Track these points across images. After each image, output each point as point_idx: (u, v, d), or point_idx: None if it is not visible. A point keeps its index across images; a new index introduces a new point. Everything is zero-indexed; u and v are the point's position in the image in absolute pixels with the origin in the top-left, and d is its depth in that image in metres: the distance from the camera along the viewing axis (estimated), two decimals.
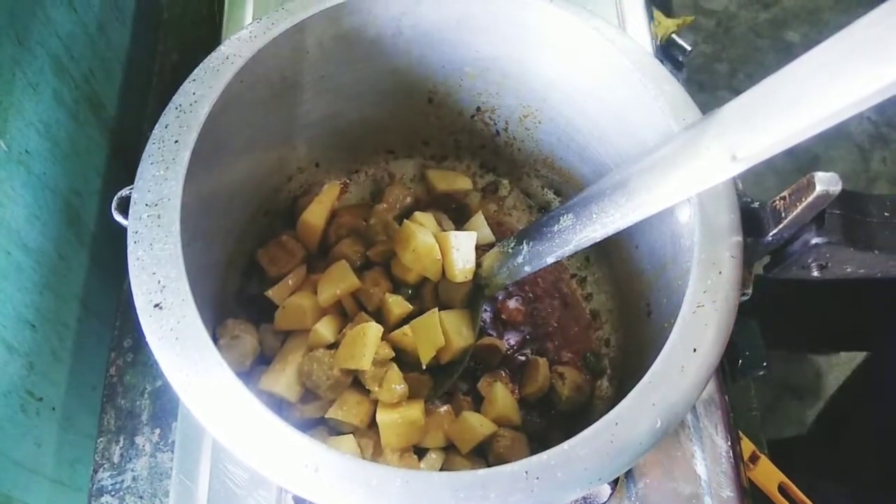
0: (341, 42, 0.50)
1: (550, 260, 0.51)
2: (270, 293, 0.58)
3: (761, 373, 0.60)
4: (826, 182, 0.38)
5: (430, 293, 0.60)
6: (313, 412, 0.54)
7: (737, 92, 1.44)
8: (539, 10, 0.50)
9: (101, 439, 0.59)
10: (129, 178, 0.83)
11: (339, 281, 0.57)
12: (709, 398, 0.56)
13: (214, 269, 0.52)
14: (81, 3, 0.74)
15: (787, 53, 1.67)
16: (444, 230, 0.62)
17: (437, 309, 0.57)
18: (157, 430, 0.59)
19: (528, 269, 0.53)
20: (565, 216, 0.48)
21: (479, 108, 0.62)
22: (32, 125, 0.65)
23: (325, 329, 0.55)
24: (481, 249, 0.60)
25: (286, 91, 0.50)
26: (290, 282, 0.58)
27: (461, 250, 0.56)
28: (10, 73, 0.62)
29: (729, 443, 0.55)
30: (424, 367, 0.55)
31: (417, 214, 0.60)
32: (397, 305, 0.57)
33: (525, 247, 0.53)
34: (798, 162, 1.56)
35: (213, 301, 0.51)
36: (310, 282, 0.59)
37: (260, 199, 0.58)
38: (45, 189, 0.66)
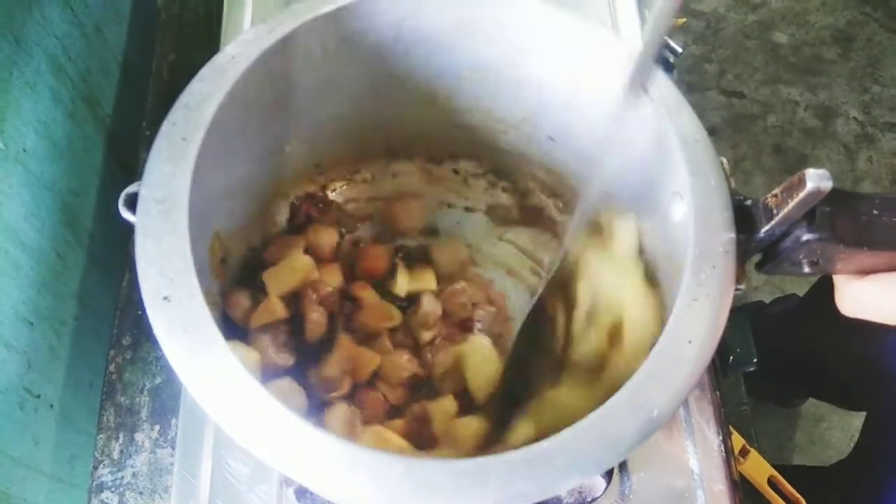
0: (344, 45, 0.51)
1: None
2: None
3: (751, 369, 0.61)
4: (817, 179, 0.39)
5: None
6: None
7: (726, 92, 1.44)
8: (535, 15, 0.51)
9: (100, 436, 0.59)
10: (127, 177, 0.84)
11: None
12: (700, 393, 0.58)
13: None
14: (78, 3, 0.74)
15: (774, 54, 1.69)
16: None
17: None
18: (157, 427, 0.60)
19: None
20: None
21: (476, 112, 0.62)
22: (30, 124, 0.65)
23: None
24: None
25: (289, 92, 0.51)
26: None
27: None
28: (7, 73, 0.62)
29: (720, 437, 0.57)
30: None
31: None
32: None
33: None
34: (786, 161, 1.58)
35: (216, 298, 0.51)
36: None
37: (260, 200, 0.59)
38: (43, 188, 0.67)
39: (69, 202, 0.71)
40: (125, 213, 0.41)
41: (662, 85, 0.48)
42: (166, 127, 0.41)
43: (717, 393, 0.58)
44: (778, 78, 1.66)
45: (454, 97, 0.60)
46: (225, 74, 0.43)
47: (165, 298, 0.36)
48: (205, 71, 0.44)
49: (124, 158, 0.83)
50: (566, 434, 0.35)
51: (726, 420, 0.58)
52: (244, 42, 0.45)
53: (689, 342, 0.38)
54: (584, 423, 0.35)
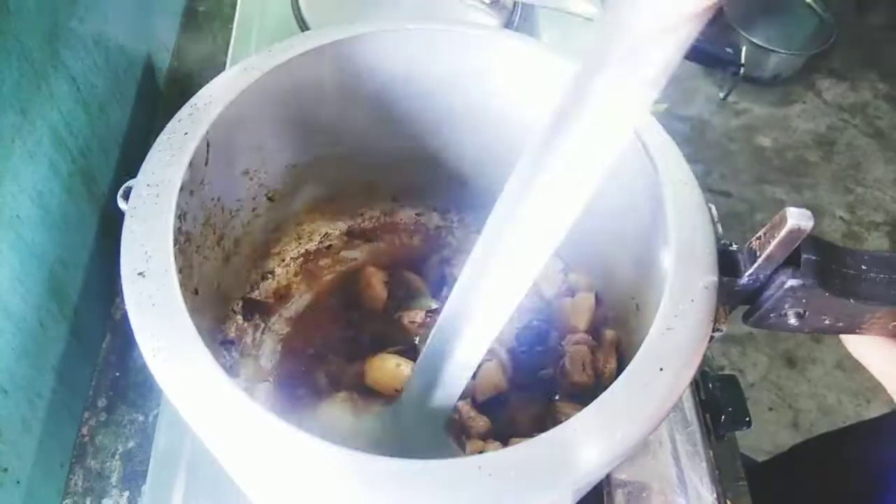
0: (353, 80, 0.53)
1: None
2: None
3: (745, 428, 0.59)
4: (797, 217, 0.39)
5: None
6: None
7: (711, 191, 1.47)
8: (541, 61, 0.53)
9: (66, 501, 0.56)
10: (117, 256, 0.84)
11: None
12: (693, 450, 0.56)
13: (215, 270, 0.52)
14: (85, 83, 0.78)
15: (759, 156, 1.75)
16: None
17: None
18: (126, 493, 0.57)
19: None
20: None
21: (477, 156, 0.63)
22: (26, 192, 0.66)
23: None
24: None
25: (296, 122, 0.53)
26: None
27: None
28: (9, 140, 0.64)
29: (714, 495, 0.55)
30: None
31: None
32: None
33: None
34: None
35: (213, 301, 0.52)
36: None
37: (253, 245, 0.59)
38: (32, 256, 0.67)
39: (57, 273, 0.71)
40: (122, 205, 0.42)
41: (657, 134, 0.49)
42: (171, 124, 0.44)
43: (710, 452, 0.57)
44: (763, 178, 1.71)
45: (458, 143, 0.62)
46: (235, 82, 0.45)
47: (140, 274, 0.37)
48: (217, 79, 0.46)
49: (116, 237, 0.83)
50: (525, 446, 0.34)
51: (721, 479, 0.56)
52: (258, 57, 0.47)
53: (661, 370, 0.37)
54: (545, 436, 0.34)
